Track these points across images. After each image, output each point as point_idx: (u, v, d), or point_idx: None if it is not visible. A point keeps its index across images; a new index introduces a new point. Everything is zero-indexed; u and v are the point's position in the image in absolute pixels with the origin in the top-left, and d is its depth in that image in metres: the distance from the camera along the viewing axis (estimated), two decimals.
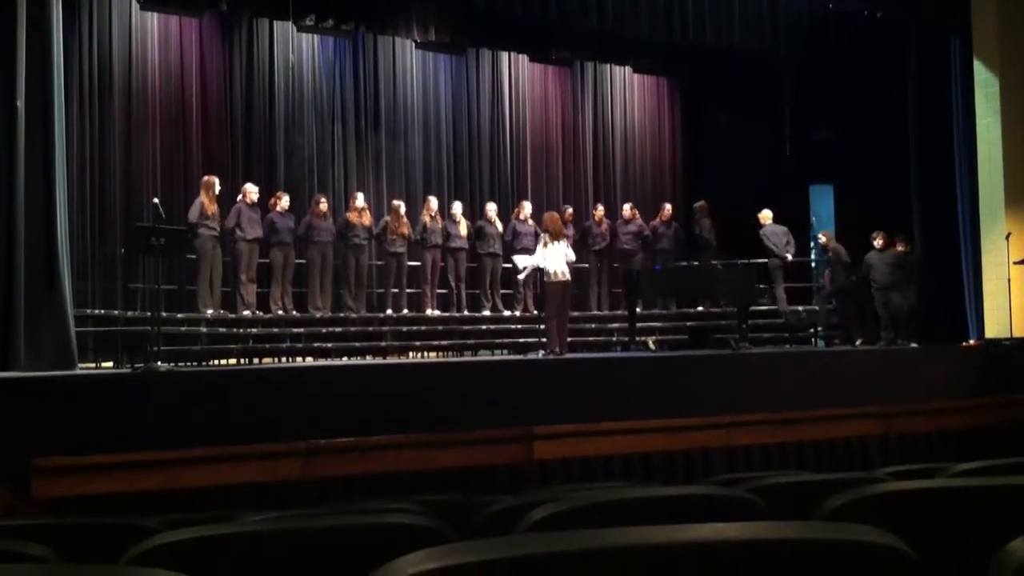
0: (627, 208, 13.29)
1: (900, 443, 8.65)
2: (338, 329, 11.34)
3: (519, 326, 12.39)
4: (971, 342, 11.87)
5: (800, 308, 12.72)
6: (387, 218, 11.72)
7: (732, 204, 13.22)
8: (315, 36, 12.36)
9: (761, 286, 11.95)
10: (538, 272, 10.70)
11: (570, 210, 12.94)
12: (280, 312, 10.98)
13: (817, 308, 12.63)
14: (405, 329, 11.84)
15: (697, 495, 2.60)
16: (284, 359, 10.96)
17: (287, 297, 11.08)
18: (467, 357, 11.92)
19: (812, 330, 12.81)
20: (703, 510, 2.33)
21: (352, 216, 11.43)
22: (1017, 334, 11.44)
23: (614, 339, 13.01)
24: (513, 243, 12.20)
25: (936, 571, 1.71)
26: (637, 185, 14.56)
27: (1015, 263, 11.29)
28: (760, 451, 8.03)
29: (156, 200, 9.02)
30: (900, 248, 12.07)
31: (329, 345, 11.21)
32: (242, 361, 10.57)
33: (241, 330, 10.76)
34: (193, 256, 10.37)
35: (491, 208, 12.49)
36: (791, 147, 13.85)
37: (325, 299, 11.29)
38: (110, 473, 5.83)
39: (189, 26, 11.53)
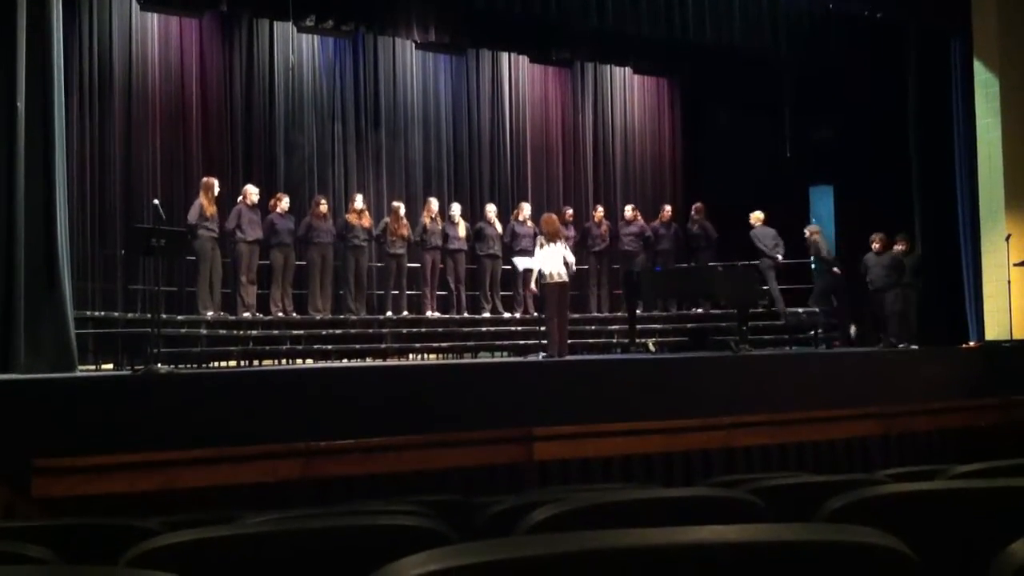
0: (629, 209, 13.29)
1: (900, 444, 8.65)
2: (338, 331, 11.34)
3: (519, 328, 12.39)
4: (971, 344, 11.86)
5: (800, 310, 12.73)
6: (387, 219, 11.72)
7: (732, 204, 13.21)
8: (315, 36, 12.36)
9: (764, 287, 11.96)
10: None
11: (570, 211, 12.95)
12: (280, 314, 10.97)
13: (817, 310, 12.63)
14: (405, 331, 11.84)
15: (697, 496, 2.60)
16: (284, 361, 10.95)
17: (287, 299, 11.08)
18: (467, 359, 11.92)
19: (812, 332, 12.81)
20: (703, 512, 2.33)
21: (351, 217, 11.43)
22: (1017, 336, 11.44)
23: (614, 341, 13.01)
24: (512, 244, 12.20)
25: (936, 573, 1.71)
26: (637, 186, 14.57)
27: (1015, 265, 11.29)
28: (760, 452, 8.03)
29: (156, 201, 9.03)
30: (898, 249, 12.07)
31: (329, 347, 11.21)
32: (242, 363, 10.57)
33: (241, 332, 10.76)
34: (193, 258, 10.37)
35: (491, 209, 12.48)
36: (791, 147, 13.84)
37: (325, 301, 11.29)
38: (110, 474, 5.83)
39: (189, 26, 11.53)
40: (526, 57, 13.90)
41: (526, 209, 12.55)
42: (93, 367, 9.43)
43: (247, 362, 10.62)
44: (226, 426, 6.42)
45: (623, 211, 13.38)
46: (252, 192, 10.85)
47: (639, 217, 13.28)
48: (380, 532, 2.16)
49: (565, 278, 9.95)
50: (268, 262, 10.99)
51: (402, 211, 11.73)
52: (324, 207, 11.24)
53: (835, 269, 12.18)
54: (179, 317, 10.31)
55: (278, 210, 11.00)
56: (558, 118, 14.30)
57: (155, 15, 11.20)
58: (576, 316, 12.21)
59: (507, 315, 12.41)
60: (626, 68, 14.63)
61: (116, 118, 10.61)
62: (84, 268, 9.87)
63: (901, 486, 2.47)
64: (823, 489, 2.63)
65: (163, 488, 5.91)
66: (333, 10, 12.05)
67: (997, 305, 11.69)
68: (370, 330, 11.67)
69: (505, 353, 12.32)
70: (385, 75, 12.81)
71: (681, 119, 15.17)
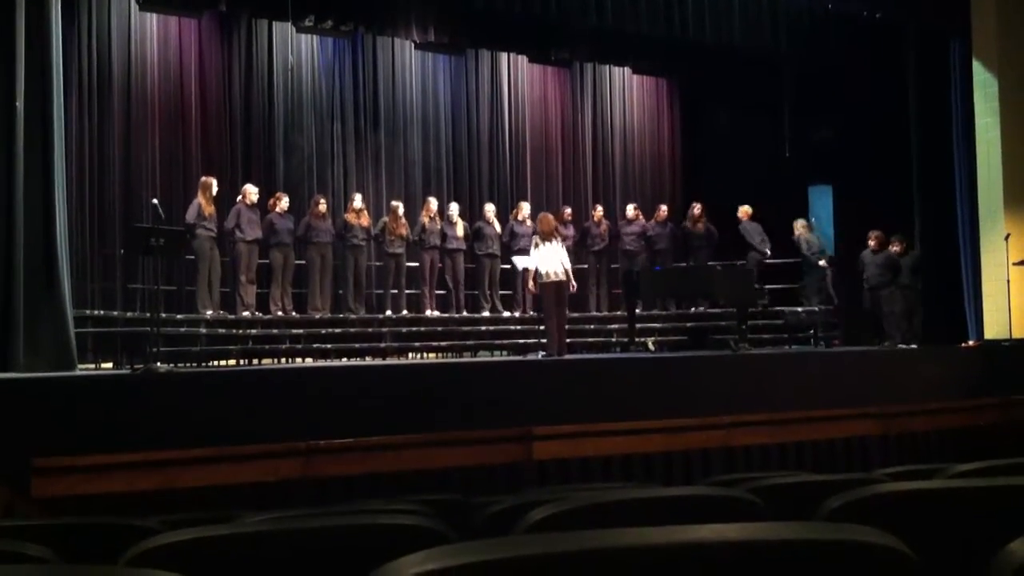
0: (631, 208, 13.27)
1: (899, 444, 8.66)
2: (337, 330, 11.34)
3: (518, 327, 12.39)
4: (970, 343, 11.87)
5: (800, 309, 12.73)
6: (385, 219, 11.72)
7: (731, 204, 13.22)
8: (314, 37, 12.36)
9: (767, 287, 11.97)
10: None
11: (568, 210, 12.94)
12: (280, 313, 10.98)
13: (816, 308, 12.63)
14: (404, 330, 11.84)
15: (696, 496, 2.60)
16: (283, 360, 10.95)
17: (287, 298, 11.08)
18: (466, 358, 11.92)
19: (811, 331, 12.81)
20: (702, 511, 2.33)
21: (350, 217, 11.43)
22: (1016, 335, 11.44)
23: (613, 340, 13.01)
24: (511, 244, 12.19)
25: (936, 572, 1.71)
26: (636, 185, 14.57)
27: (1014, 264, 11.29)
28: (759, 451, 8.03)
29: (155, 200, 9.02)
30: (894, 248, 12.07)
31: (328, 346, 11.21)
32: (242, 362, 10.57)
33: (240, 331, 10.76)
34: (192, 257, 10.37)
35: (489, 209, 12.48)
36: (790, 147, 13.85)
37: (325, 300, 11.29)
38: (109, 473, 5.83)
39: (188, 26, 11.53)
40: (525, 57, 13.89)
41: (525, 208, 12.54)
42: (93, 366, 9.43)
43: (246, 361, 10.62)
44: (226, 425, 6.42)
45: (624, 210, 13.37)
46: (251, 192, 10.84)
47: (640, 216, 13.27)
48: (379, 531, 2.16)
49: (561, 277, 9.94)
50: (267, 262, 10.99)
51: (401, 211, 11.72)
52: (323, 206, 11.24)
53: (821, 263, 12.18)
54: (178, 316, 10.31)
55: (277, 210, 10.99)
56: (557, 118, 14.30)
57: (154, 15, 11.20)
58: (575, 315, 12.21)
59: (506, 314, 12.41)
60: (625, 68, 14.63)
61: (115, 118, 10.61)
62: (83, 268, 9.87)
63: (900, 485, 2.47)
64: (822, 488, 2.63)
65: (163, 488, 5.91)
66: (332, 10, 12.05)
67: (996, 304, 11.70)
68: (369, 329, 11.67)
69: (505, 352, 12.32)
70: (384, 75, 12.81)
71: (680, 119, 15.17)
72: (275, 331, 11.01)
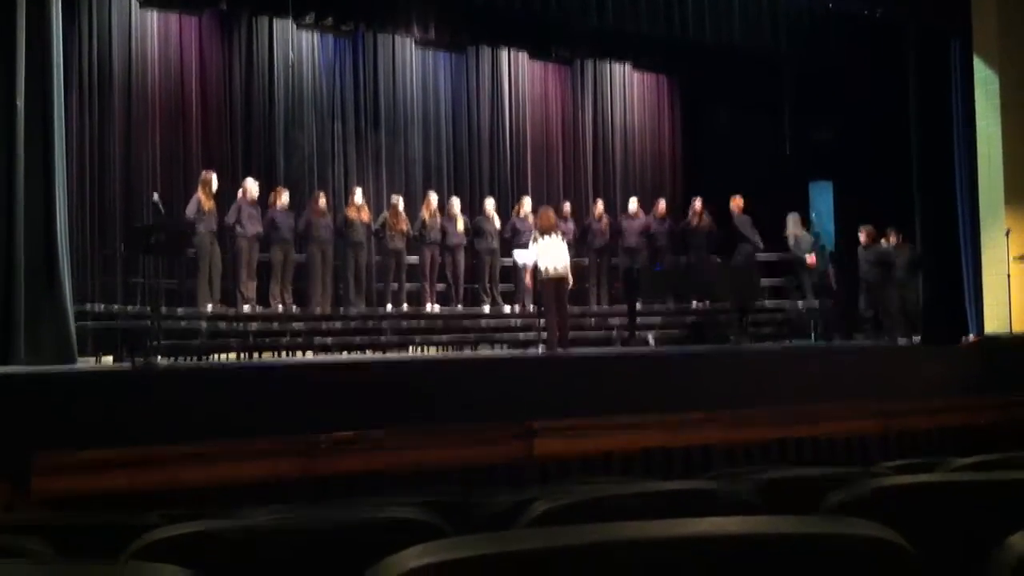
0: (633, 202, 13.24)
1: (899, 440, 8.65)
2: (338, 324, 11.34)
3: (519, 321, 12.38)
4: (970, 338, 11.88)
5: (799, 303, 12.74)
6: (385, 214, 11.72)
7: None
8: (315, 34, 12.36)
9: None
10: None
11: (567, 205, 12.92)
12: (280, 308, 10.98)
13: (816, 304, 12.64)
14: (405, 324, 11.84)
15: (697, 490, 2.60)
16: (284, 354, 10.95)
17: (287, 294, 11.08)
18: (467, 352, 11.92)
19: (813, 325, 12.81)
20: (703, 505, 2.33)
21: (351, 213, 11.42)
22: (1016, 330, 11.45)
23: (614, 334, 13.00)
24: (512, 240, 12.18)
25: (936, 565, 1.72)
26: (637, 182, 14.55)
27: (1015, 259, 11.30)
28: (760, 447, 8.03)
29: (156, 196, 9.02)
30: (891, 241, 12.06)
31: (329, 340, 11.21)
32: (242, 356, 10.57)
33: (241, 325, 10.76)
34: (192, 252, 10.37)
35: (489, 204, 12.47)
36: (791, 145, 13.85)
37: (325, 297, 11.29)
38: (110, 469, 5.83)
39: (189, 24, 11.53)
40: (526, 54, 13.89)
41: (527, 204, 12.53)
42: (93, 361, 9.44)
43: (247, 355, 10.62)
44: (226, 419, 6.42)
45: (626, 207, 13.34)
46: (252, 187, 10.84)
47: (642, 213, 13.25)
48: (380, 526, 2.16)
49: (562, 272, 9.93)
50: (268, 257, 10.99)
51: (401, 206, 11.72)
52: (323, 202, 11.22)
53: (807, 260, 12.18)
54: (179, 310, 10.30)
55: (278, 205, 10.99)
56: (558, 115, 14.29)
57: (154, 13, 11.20)
58: (576, 310, 12.20)
59: (507, 309, 12.41)
60: (626, 65, 14.63)
61: (116, 116, 10.61)
62: (84, 262, 9.88)
63: (901, 478, 2.47)
64: (822, 482, 2.63)
65: (163, 483, 5.91)
66: (333, 8, 12.06)
67: (997, 300, 11.72)
68: (369, 323, 11.67)
69: (505, 347, 12.32)
70: (385, 73, 12.80)
71: (681, 116, 15.17)
72: (275, 325, 11.01)
